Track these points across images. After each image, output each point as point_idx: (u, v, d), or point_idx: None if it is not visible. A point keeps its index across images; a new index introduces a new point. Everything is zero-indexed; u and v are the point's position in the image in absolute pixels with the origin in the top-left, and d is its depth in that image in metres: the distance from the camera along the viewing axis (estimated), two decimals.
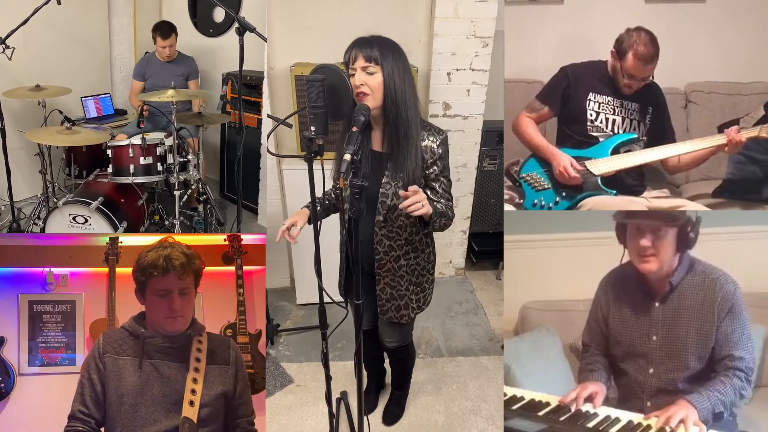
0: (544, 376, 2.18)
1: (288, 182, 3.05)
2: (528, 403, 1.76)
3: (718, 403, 1.57)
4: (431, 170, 1.78)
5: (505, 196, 2.43)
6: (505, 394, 1.83)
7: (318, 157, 1.51)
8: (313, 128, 1.47)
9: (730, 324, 1.64)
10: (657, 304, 1.73)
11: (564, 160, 2.23)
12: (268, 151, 1.70)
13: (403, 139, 1.71)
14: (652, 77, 2.19)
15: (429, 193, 1.80)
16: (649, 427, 1.53)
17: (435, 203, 1.79)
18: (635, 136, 2.26)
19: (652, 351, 1.73)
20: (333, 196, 2.03)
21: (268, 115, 2.59)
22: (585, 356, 1.91)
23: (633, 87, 2.22)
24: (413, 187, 1.55)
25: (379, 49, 1.64)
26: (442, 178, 1.80)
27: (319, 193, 1.60)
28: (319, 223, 1.61)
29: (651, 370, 1.72)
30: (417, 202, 1.52)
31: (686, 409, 1.52)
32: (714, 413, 1.57)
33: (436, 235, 3.33)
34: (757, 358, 2.11)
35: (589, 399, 1.68)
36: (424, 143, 1.75)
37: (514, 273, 2.55)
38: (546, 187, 2.30)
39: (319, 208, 2.00)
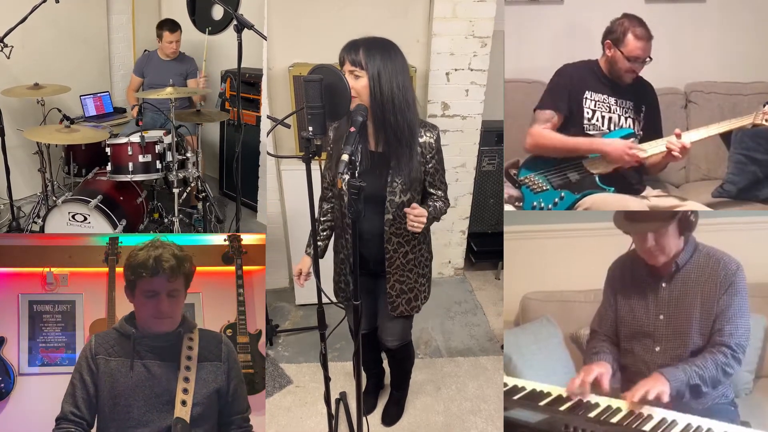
0: (544, 367, 2.19)
1: (287, 182, 3.05)
2: (529, 393, 1.79)
3: (695, 376, 1.61)
4: (430, 164, 1.87)
5: (505, 196, 2.43)
6: (505, 384, 1.85)
7: (316, 158, 1.52)
8: (311, 128, 1.47)
9: (728, 299, 1.70)
10: (664, 285, 1.79)
11: (618, 143, 2.18)
12: (268, 152, 1.70)
13: (394, 141, 1.75)
14: (650, 59, 2.19)
15: (428, 185, 1.91)
16: (650, 416, 1.54)
17: (433, 203, 1.91)
18: (631, 131, 2.26)
19: (659, 330, 1.78)
20: (328, 214, 2.04)
21: (268, 116, 2.59)
22: (590, 342, 1.95)
23: (637, 71, 2.22)
24: (413, 205, 1.74)
25: (364, 52, 1.66)
26: (440, 170, 1.91)
27: (318, 194, 1.60)
28: (318, 222, 1.62)
29: (657, 349, 1.77)
30: (420, 216, 1.73)
31: (654, 382, 1.57)
32: (690, 386, 1.61)
33: (436, 235, 3.33)
34: (758, 348, 2.15)
35: (596, 382, 1.69)
36: (422, 140, 1.82)
37: (514, 264, 2.55)
38: (545, 188, 2.30)
39: (321, 243, 2.05)
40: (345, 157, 1.37)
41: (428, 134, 1.83)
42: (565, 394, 1.73)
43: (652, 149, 2.18)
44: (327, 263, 2.07)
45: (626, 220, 1.75)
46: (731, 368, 1.66)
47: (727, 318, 1.69)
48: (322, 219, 2.05)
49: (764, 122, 2.05)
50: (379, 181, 1.81)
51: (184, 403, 1.49)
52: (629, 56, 2.18)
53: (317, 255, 1.79)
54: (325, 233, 2.05)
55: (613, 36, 2.21)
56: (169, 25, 3.81)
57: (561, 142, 2.27)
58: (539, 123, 2.31)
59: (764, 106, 2.07)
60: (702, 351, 1.71)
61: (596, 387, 1.69)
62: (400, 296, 2.01)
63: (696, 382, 1.61)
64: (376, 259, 1.95)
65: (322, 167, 1.94)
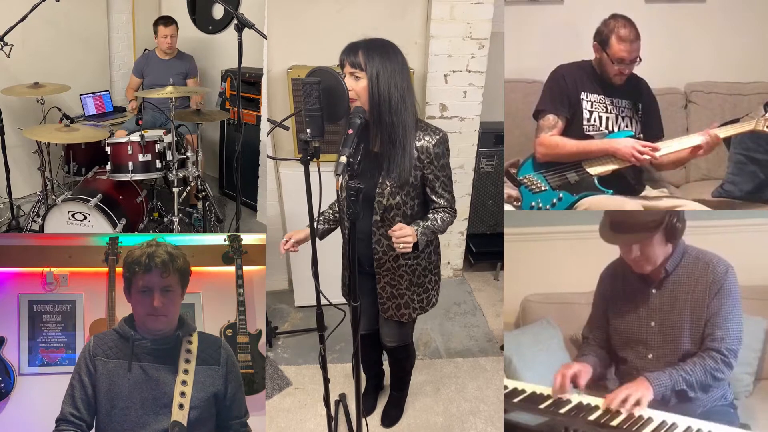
0: (545, 369, 2.18)
1: (285, 184, 3.04)
2: (529, 395, 1.78)
3: (681, 381, 1.60)
4: (429, 170, 1.79)
5: (505, 196, 2.43)
6: (505, 387, 1.85)
7: (314, 160, 1.52)
8: (309, 131, 1.48)
9: (717, 303, 1.69)
10: (654, 291, 1.78)
11: (627, 142, 2.15)
12: (268, 155, 1.70)
13: (388, 142, 1.72)
14: (640, 60, 2.18)
15: (429, 191, 1.83)
16: (650, 419, 1.55)
17: (433, 216, 1.84)
18: (632, 133, 2.26)
19: (651, 337, 1.77)
20: (336, 208, 2.03)
21: (268, 119, 2.59)
22: (581, 348, 1.96)
23: (625, 72, 2.20)
24: (397, 226, 1.70)
25: (364, 53, 1.66)
26: (442, 177, 1.81)
27: (316, 197, 1.61)
28: (316, 225, 1.62)
29: (650, 356, 1.76)
30: (403, 237, 1.68)
31: (636, 387, 1.57)
32: (676, 391, 1.60)
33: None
34: (758, 350, 2.14)
35: (573, 380, 1.70)
36: (419, 143, 1.76)
37: (514, 266, 2.54)
38: (543, 189, 2.30)
39: (323, 225, 2.02)
40: (343, 159, 1.37)
41: (427, 138, 1.75)
42: (564, 398, 1.72)
43: (667, 148, 2.14)
44: (329, 263, 2.07)
45: (611, 231, 1.72)
46: (721, 373, 1.64)
47: (718, 322, 1.67)
48: (332, 207, 2.04)
49: (765, 129, 2.04)
50: (372, 181, 1.79)
51: (181, 406, 1.50)
52: (613, 59, 2.17)
53: (316, 255, 1.77)
54: (331, 216, 2.03)
55: (599, 38, 2.20)
56: (163, 19, 3.83)
57: (575, 147, 2.23)
58: (544, 131, 2.27)
59: (765, 112, 2.06)
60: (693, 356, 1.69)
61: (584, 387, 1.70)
62: (390, 300, 2.00)
63: (682, 388, 1.60)
64: (368, 259, 1.94)
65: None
